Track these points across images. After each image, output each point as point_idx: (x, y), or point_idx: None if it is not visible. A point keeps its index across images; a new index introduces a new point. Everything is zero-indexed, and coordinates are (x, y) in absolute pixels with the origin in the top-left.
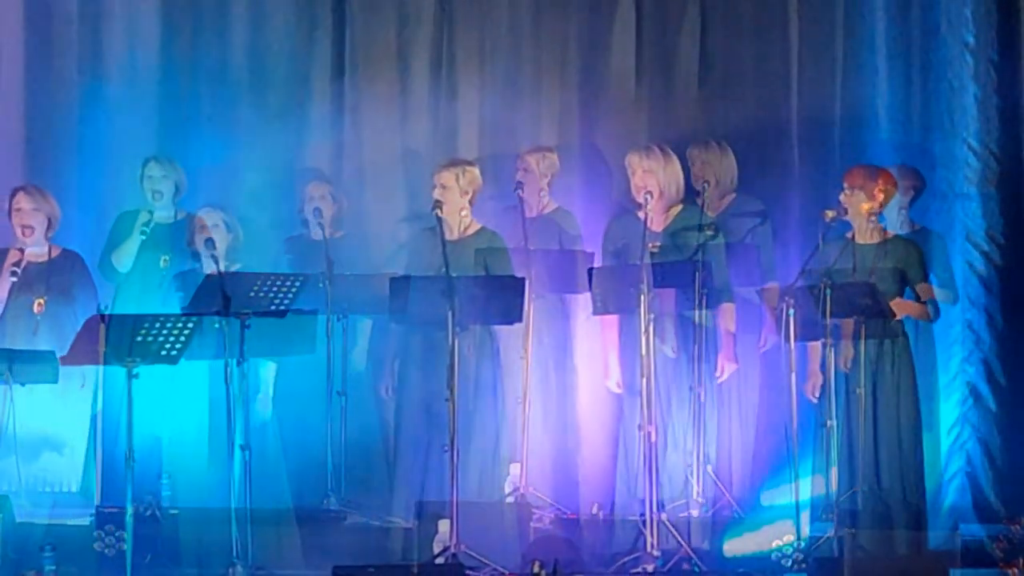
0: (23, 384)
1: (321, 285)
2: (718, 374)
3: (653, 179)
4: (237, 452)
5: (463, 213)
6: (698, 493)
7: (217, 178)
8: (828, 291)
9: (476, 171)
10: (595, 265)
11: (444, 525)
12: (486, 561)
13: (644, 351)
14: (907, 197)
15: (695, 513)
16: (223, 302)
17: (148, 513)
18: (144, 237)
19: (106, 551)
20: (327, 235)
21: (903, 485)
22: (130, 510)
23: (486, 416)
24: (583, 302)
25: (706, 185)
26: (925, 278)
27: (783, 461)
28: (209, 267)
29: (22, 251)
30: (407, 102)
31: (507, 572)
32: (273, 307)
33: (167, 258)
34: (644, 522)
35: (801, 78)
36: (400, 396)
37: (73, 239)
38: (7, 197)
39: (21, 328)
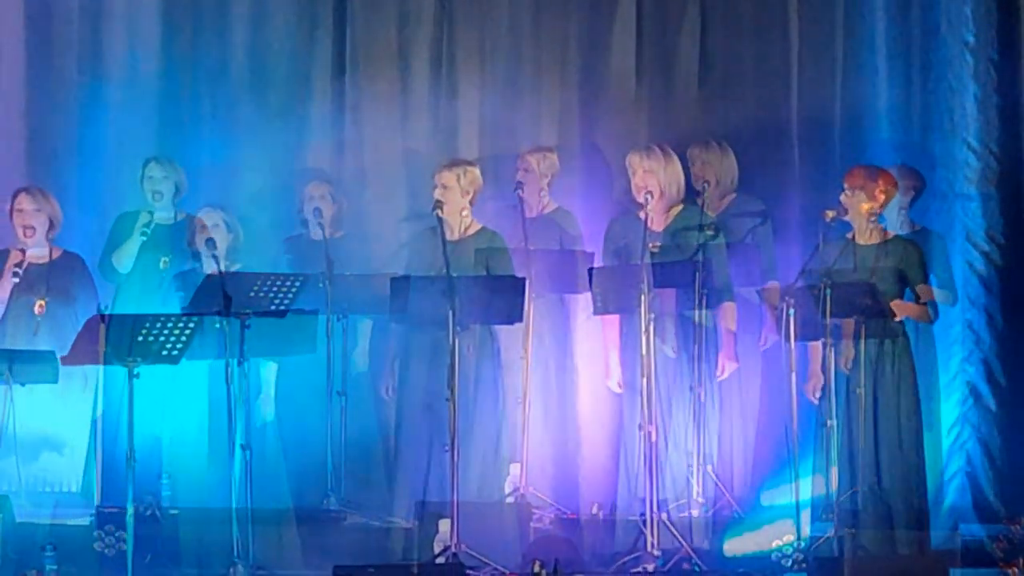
0: (23, 384)
1: (321, 285)
2: (719, 373)
3: (654, 179)
4: (238, 452)
5: (464, 213)
6: (698, 493)
7: (217, 178)
8: (828, 291)
9: (477, 171)
10: (595, 265)
11: (445, 525)
12: (486, 561)
13: (644, 351)
14: (907, 197)
15: (695, 513)
16: (224, 302)
17: (148, 513)
18: (145, 238)
19: (106, 551)
20: (327, 235)
21: (903, 485)
22: (130, 510)
23: (486, 416)
24: (583, 302)
25: (706, 185)
26: (925, 279)
27: (783, 461)
28: (210, 267)
29: (23, 252)
30: (407, 101)
31: (507, 572)
32: (273, 307)
33: (167, 259)
34: (644, 522)
35: (801, 78)
36: (401, 396)
37: (73, 239)
38: (9, 198)
39: (22, 329)
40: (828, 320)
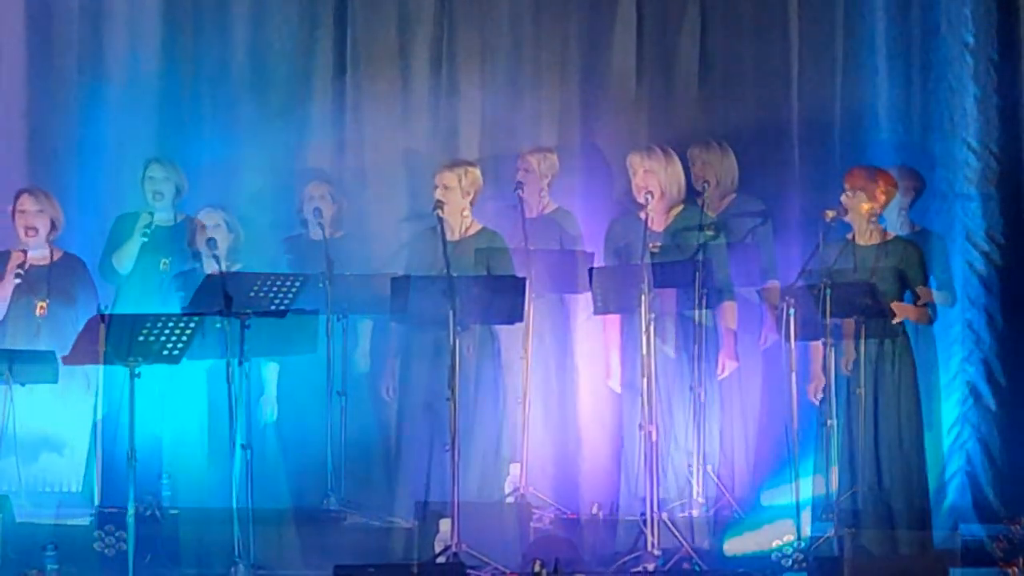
0: (23, 384)
1: (321, 285)
2: (719, 372)
3: (654, 179)
4: (238, 452)
5: (464, 213)
6: (699, 492)
7: (217, 178)
8: (828, 291)
9: (478, 172)
10: (595, 265)
11: (445, 525)
12: (487, 560)
13: (645, 351)
14: (907, 198)
15: (696, 512)
16: (224, 302)
17: (149, 513)
18: (145, 239)
19: (106, 551)
20: (327, 235)
21: (903, 485)
22: (131, 510)
23: (487, 416)
24: (583, 302)
25: (707, 185)
26: (925, 280)
27: (784, 461)
28: (210, 267)
29: (25, 253)
30: (408, 101)
31: (508, 571)
32: (273, 307)
33: (167, 261)
34: (645, 521)
35: (801, 78)
36: (401, 396)
37: (74, 240)
38: (11, 198)
39: (23, 330)
40: (828, 320)
